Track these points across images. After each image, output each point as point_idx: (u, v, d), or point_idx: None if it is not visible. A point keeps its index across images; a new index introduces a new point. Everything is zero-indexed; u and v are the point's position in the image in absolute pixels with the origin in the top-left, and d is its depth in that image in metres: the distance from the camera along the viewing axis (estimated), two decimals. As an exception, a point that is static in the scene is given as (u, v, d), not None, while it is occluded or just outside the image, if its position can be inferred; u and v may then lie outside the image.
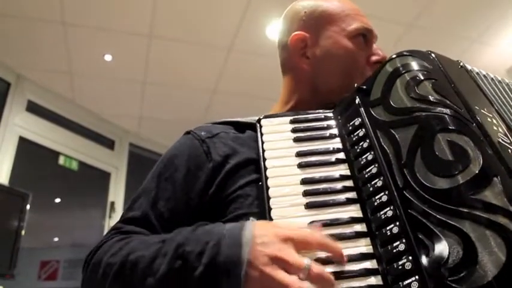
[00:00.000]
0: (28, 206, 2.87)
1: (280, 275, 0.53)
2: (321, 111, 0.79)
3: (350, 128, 0.72)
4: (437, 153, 0.58)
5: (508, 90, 0.77)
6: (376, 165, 0.64)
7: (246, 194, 0.71)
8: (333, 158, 0.70)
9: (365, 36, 0.87)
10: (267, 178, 0.68)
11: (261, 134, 0.75)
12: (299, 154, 0.71)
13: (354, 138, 0.70)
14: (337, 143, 0.73)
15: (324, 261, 0.57)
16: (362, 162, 0.66)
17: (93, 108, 3.88)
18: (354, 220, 0.62)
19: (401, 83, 0.68)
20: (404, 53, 0.72)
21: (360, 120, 0.71)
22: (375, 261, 0.57)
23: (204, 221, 0.66)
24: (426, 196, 0.56)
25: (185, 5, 2.83)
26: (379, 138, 0.66)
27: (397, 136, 0.63)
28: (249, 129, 0.81)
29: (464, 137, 0.58)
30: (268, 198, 0.64)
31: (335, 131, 0.75)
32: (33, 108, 3.50)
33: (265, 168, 0.69)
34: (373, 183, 0.63)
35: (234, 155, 0.76)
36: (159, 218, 0.72)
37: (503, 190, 0.53)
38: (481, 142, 0.58)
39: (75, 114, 3.81)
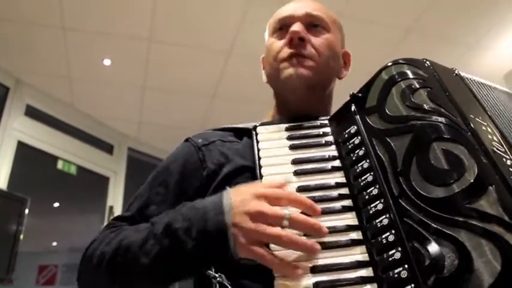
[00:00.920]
0: (26, 211, 2.87)
1: (262, 227, 0.56)
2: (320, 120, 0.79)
3: (346, 135, 0.72)
4: (432, 162, 0.58)
5: (502, 97, 0.77)
6: (372, 173, 0.64)
7: None
8: (328, 165, 0.71)
9: (283, 26, 0.88)
10: None
11: (257, 142, 0.75)
12: (295, 162, 0.71)
13: (350, 146, 0.70)
14: (332, 151, 0.73)
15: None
16: (358, 170, 0.67)
17: (92, 113, 3.88)
18: (349, 228, 0.62)
19: (396, 91, 0.68)
20: (400, 61, 0.72)
21: (355, 127, 0.71)
22: (370, 269, 0.58)
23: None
24: (422, 205, 0.56)
25: (184, 9, 2.84)
26: (375, 146, 0.66)
27: (392, 144, 0.64)
28: (247, 135, 0.82)
29: (459, 145, 0.58)
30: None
31: (331, 138, 0.75)
32: (32, 112, 3.50)
33: (261, 176, 0.70)
34: (368, 191, 0.63)
35: (228, 163, 0.77)
36: (149, 220, 0.73)
37: (498, 199, 0.53)
38: (476, 151, 0.58)
39: (73, 119, 3.81)
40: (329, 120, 0.79)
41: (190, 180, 0.77)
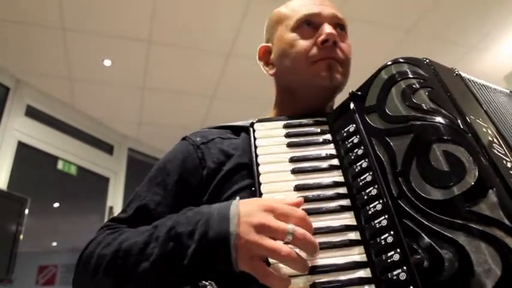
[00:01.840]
0: (26, 211, 2.86)
1: (266, 240, 0.55)
2: (318, 118, 0.79)
3: (344, 134, 0.71)
4: (432, 163, 0.57)
5: (502, 99, 0.76)
6: (371, 173, 0.63)
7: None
8: (326, 164, 0.70)
9: (310, 23, 0.84)
10: (260, 184, 0.67)
11: (254, 139, 0.74)
12: (293, 160, 0.70)
13: (349, 145, 0.69)
14: (331, 149, 0.72)
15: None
16: (356, 170, 0.66)
17: (92, 113, 3.88)
18: (347, 228, 0.61)
19: (396, 91, 0.67)
20: (400, 60, 0.71)
21: (354, 126, 0.70)
22: (368, 270, 0.57)
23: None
24: (421, 206, 0.55)
25: (184, 11, 2.83)
26: (374, 146, 0.65)
27: (392, 144, 0.63)
28: (244, 133, 0.81)
29: (459, 147, 0.58)
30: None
31: (329, 136, 0.74)
32: (32, 113, 3.50)
33: (259, 174, 0.69)
34: (367, 191, 0.62)
35: (228, 161, 0.76)
36: (148, 221, 0.72)
37: (499, 202, 0.52)
38: (477, 153, 0.57)
39: (74, 119, 3.81)
40: (327, 117, 0.78)
41: (190, 180, 0.76)
